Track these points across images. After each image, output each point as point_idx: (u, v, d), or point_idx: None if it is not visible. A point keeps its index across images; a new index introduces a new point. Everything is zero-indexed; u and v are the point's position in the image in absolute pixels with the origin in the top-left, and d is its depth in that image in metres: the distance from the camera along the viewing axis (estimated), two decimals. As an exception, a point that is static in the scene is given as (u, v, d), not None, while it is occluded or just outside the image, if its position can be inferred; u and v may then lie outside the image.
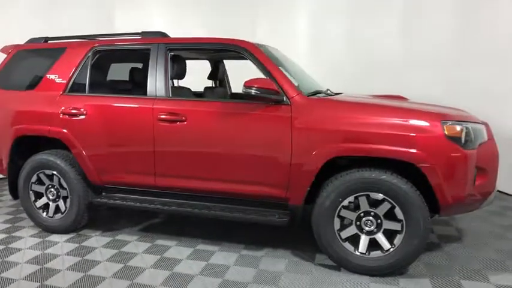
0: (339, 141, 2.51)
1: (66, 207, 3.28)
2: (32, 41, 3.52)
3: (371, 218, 2.55)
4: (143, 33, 3.18)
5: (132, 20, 6.16)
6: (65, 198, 3.29)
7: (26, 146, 3.38)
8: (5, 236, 3.31)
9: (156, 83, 2.98)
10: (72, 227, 3.30)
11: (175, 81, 4.04)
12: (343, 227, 2.62)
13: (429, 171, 2.38)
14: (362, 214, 2.57)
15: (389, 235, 2.55)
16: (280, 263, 2.79)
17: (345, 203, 2.56)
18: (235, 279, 2.56)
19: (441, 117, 2.45)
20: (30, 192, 3.34)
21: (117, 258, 2.89)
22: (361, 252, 2.58)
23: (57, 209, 3.32)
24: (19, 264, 2.80)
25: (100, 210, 3.89)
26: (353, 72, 5.33)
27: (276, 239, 3.18)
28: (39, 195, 3.36)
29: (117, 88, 3.76)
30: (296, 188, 2.66)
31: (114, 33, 3.37)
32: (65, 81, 3.22)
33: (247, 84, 2.57)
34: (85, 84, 3.18)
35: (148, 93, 2.99)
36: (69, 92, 3.20)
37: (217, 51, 3.69)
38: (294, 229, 3.32)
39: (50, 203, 3.33)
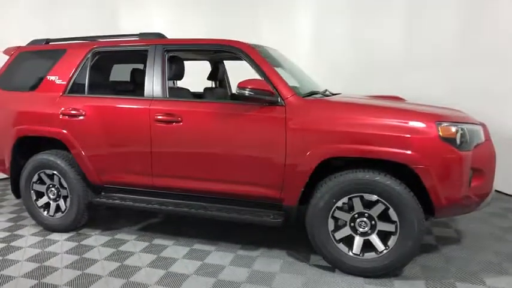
0: (332, 142, 2.51)
1: (66, 207, 3.33)
2: (34, 42, 3.58)
3: (365, 219, 2.55)
4: (141, 35, 3.22)
5: (134, 21, 6.21)
6: (65, 198, 3.34)
7: (28, 146, 3.44)
8: (7, 234, 3.38)
9: (153, 83, 3.01)
10: (72, 226, 3.35)
11: (175, 82, 4.09)
12: (337, 228, 2.62)
13: (423, 173, 2.36)
14: (356, 215, 2.56)
15: (384, 236, 2.54)
16: (275, 264, 2.80)
17: (339, 204, 2.56)
18: (229, 279, 2.58)
19: (436, 118, 2.43)
20: (32, 191, 3.40)
21: (114, 257, 2.93)
22: (355, 254, 2.58)
23: (57, 208, 3.38)
24: (19, 262, 2.86)
25: (100, 210, 3.94)
26: (354, 72, 5.33)
27: (272, 240, 3.19)
28: (40, 195, 3.42)
29: (118, 89, 3.81)
30: (290, 188, 2.67)
31: (113, 35, 3.40)
32: (64, 83, 3.27)
33: (241, 85, 2.58)
34: (84, 85, 3.23)
35: (145, 94, 3.03)
36: (68, 93, 3.25)
37: (214, 52, 3.71)
38: (291, 230, 3.32)
39: (51, 202, 3.39)
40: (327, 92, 3.36)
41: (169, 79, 3.13)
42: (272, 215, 2.78)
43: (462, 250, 3.00)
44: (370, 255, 2.56)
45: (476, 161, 2.47)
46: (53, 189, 3.37)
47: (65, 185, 3.28)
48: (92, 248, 3.08)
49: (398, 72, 5.03)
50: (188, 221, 3.64)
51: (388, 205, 2.45)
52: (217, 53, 3.62)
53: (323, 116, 2.57)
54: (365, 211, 2.53)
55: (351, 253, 2.58)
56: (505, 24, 4.19)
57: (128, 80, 3.91)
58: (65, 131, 3.18)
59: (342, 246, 2.61)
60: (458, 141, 2.40)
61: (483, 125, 2.71)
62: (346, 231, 2.60)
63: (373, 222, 2.53)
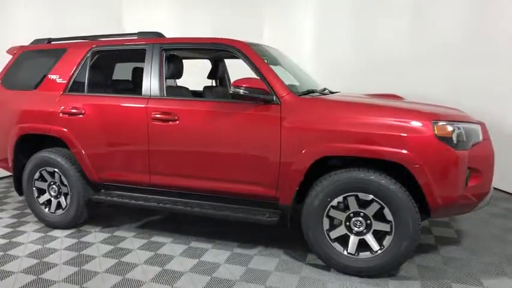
0: (327, 141, 2.49)
1: (67, 204, 3.38)
2: (36, 42, 3.64)
3: (360, 218, 2.53)
4: (139, 34, 3.24)
5: (140, 20, 6.27)
6: (65, 195, 3.39)
7: (31, 144, 3.49)
8: (10, 230, 3.44)
9: (150, 82, 3.03)
10: (72, 223, 3.40)
11: (175, 81, 4.11)
12: (332, 227, 2.61)
13: (418, 172, 2.33)
14: (351, 214, 2.54)
15: (380, 236, 2.52)
16: (271, 262, 2.80)
17: (334, 203, 2.54)
18: (223, 277, 2.59)
19: (432, 117, 2.40)
20: (34, 188, 3.46)
21: (112, 253, 2.96)
22: (350, 253, 2.56)
23: (58, 205, 3.43)
24: (19, 257, 2.91)
25: (102, 207, 3.99)
26: (358, 71, 5.32)
27: (270, 238, 3.19)
28: (42, 192, 3.47)
29: (118, 88, 3.84)
30: (285, 187, 2.66)
31: (113, 34, 3.43)
32: (65, 81, 3.31)
33: (235, 84, 2.58)
34: (84, 84, 3.27)
35: (143, 92, 3.05)
36: (69, 91, 3.30)
37: (211, 51, 3.72)
38: (289, 228, 3.31)
39: (52, 199, 3.44)
40: (326, 91, 3.34)
41: (167, 78, 3.14)
42: (268, 213, 2.77)
43: (461, 251, 2.96)
44: (365, 254, 2.54)
45: (473, 160, 2.43)
46: (54, 186, 3.42)
47: (66, 182, 3.33)
48: (91, 245, 3.12)
49: (400, 72, 5.01)
50: (188, 219, 3.66)
51: (383, 204, 2.43)
52: (214, 51, 3.63)
53: (318, 114, 2.56)
54: (360, 210, 2.52)
55: (345, 252, 2.57)
56: (508, 24, 4.14)
57: (130, 79, 3.94)
58: (65, 130, 3.22)
59: (337, 246, 2.59)
60: (454, 141, 2.37)
61: (482, 124, 2.66)
62: (341, 231, 2.58)
63: (368, 221, 2.52)
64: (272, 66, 2.87)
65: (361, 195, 2.47)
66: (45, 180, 3.43)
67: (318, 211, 2.57)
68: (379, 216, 2.48)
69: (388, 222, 2.45)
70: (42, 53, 3.54)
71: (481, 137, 2.58)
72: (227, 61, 4.29)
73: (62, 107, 3.24)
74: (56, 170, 3.33)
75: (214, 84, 4.21)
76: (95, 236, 3.31)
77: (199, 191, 2.98)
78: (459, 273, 2.62)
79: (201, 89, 4.03)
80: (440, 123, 2.37)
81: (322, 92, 3.21)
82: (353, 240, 2.56)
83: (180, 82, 3.89)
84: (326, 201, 2.54)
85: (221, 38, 2.95)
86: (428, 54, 4.85)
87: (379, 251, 2.49)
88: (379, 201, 2.43)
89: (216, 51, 3.58)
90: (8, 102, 3.52)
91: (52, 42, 3.59)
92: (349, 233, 2.57)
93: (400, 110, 2.52)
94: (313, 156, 2.52)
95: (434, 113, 2.47)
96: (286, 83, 2.78)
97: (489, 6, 4.33)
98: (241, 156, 2.74)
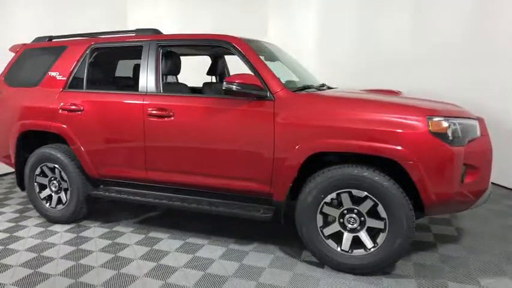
0: (320, 137, 2.47)
1: (67, 199, 3.43)
2: (38, 39, 3.69)
3: (354, 215, 2.50)
4: (137, 31, 3.26)
5: (144, 17, 6.31)
6: (66, 190, 3.44)
7: (33, 140, 3.55)
8: (12, 225, 3.51)
9: (147, 79, 3.05)
10: (72, 218, 3.45)
11: (176, 77, 4.13)
12: (326, 224, 2.59)
13: (411, 169, 2.29)
14: (345, 211, 2.52)
15: (374, 234, 2.49)
16: (266, 258, 2.80)
17: (327, 199, 2.52)
18: (216, 273, 2.59)
19: (426, 112, 2.35)
20: (35, 184, 3.52)
21: (109, 248, 3.00)
22: (343, 250, 2.54)
23: (59, 200, 3.48)
24: (19, 251, 2.97)
25: (101, 203, 4.03)
26: (359, 70, 5.37)
27: (267, 235, 3.18)
28: (43, 187, 3.53)
29: (119, 84, 3.87)
30: (279, 183, 2.65)
31: (112, 31, 3.46)
32: (65, 78, 3.35)
33: (228, 80, 2.57)
34: (83, 81, 3.30)
35: (140, 89, 3.07)
36: (68, 88, 3.34)
37: (207, 47, 3.72)
38: (287, 225, 3.30)
39: (53, 194, 3.50)
40: (325, 87, 3.31)
41: (164, 74, 3.15)
42: (262, 209, 2.77)
43: (460, 249, 2.91)
44: (358, 252, 2.51)
45: (470, 156, 2.38)
46: (54, 182, 3.47)
47: (66, 178, 3.38)
48: (89, 240, 3.16)
49: (400, 71, 5.00)
50: (186, 215, 3.67)
51: (377, 201, 2.40)
52: (211, 48, 3.63)
53: (312, 110, 2.54)
54: (354, 207, 2.49)
55: (339, 249, 2.55)
56: (505, 24, 4.09)
57: (131, 75, 3.97)
58: (64, 126, 3.27)
59: (331, 243, 2.57)
60: (450, 136, 2.32)
61: (480, 120, 2.60)
62: (335, 227, 2.56)
63: (362, 218, 2.49)
64: (270, 63, 2.85)
65: (355, 191, 2.44)
66: (46, 176, 3.49)
67: (312, 208, 2.55)
68: (373, 213, 2.45)
69: (382, 219, 2.42)
70: (43, 51, 3.59)
71: (478, 133, 2.52)
72: (230, 57, 4.29)
73: (62, 104, 3.28)
74: (56, 165, 3.38)
75: (214, 80, 4.22)
76: (94, 231, 3.36)
77: (195, 187, 2.99)
78: (456, 272, 2.57)
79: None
80: (435, 118, 2.33)
81: (320, 87, 3.18)
82: (347, 237, 2.53)
83: (183, 79, 3.92)
84: (319, 197, 2.52)
85: (216, 34, 2.94)
86: (429, 54, 4.85)
87: (372, 249, 2.46)
88: (373, 198, 2.40)
89: (212, 48, 3.58)
90: (10, 99, 3.58)
91: (53, 40, 3.64)
92: (342, 230, 2.55)
93: (394, 105, 2.48)
94: (306, 152, 2.50)
95: (429, 108, 2.42)
96: (286, 78, 2.77)
97: (489, 6, 4.28)
98: (236, 152, 2.73)
